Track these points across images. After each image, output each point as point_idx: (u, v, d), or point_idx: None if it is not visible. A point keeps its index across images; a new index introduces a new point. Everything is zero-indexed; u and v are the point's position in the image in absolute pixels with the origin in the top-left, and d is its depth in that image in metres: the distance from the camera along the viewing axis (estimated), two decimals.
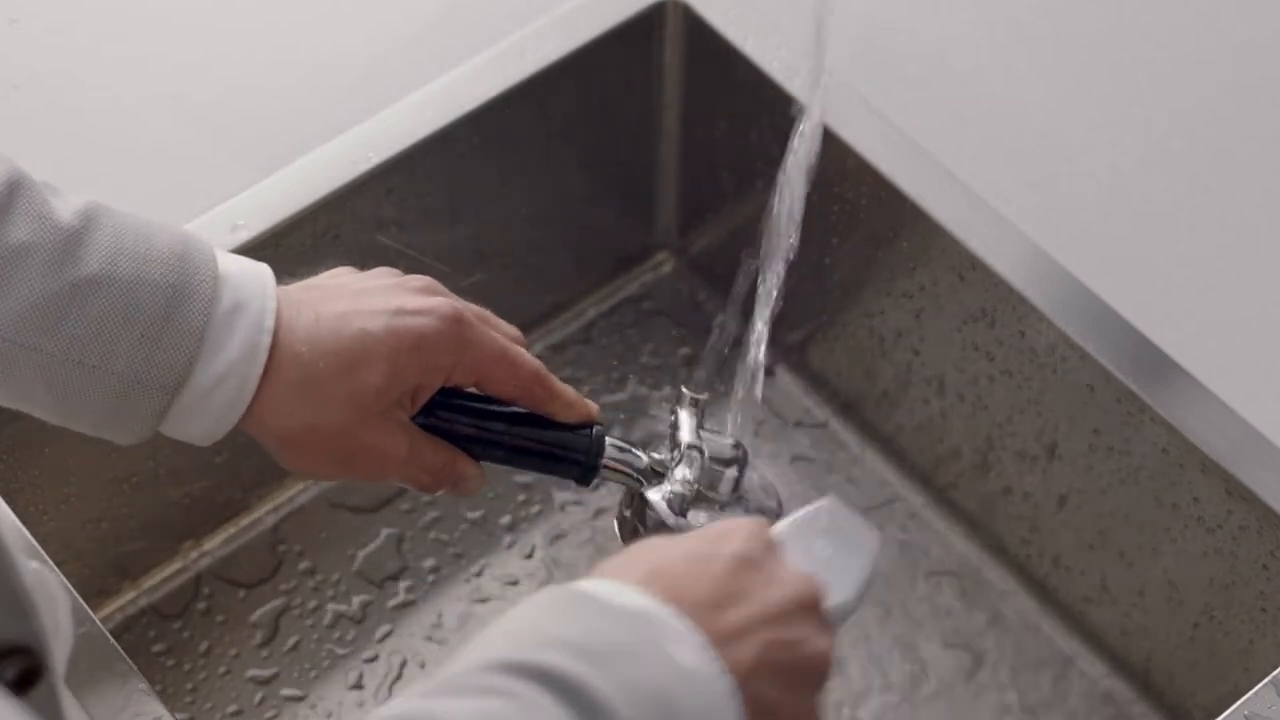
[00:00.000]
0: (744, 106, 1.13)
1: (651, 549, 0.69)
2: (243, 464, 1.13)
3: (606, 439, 0.87)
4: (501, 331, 0.86)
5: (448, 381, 0.83)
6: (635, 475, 0.88)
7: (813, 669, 0.69)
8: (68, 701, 0.67)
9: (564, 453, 0.87)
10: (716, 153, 1.18)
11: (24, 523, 0.92)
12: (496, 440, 0.86)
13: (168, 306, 0.77)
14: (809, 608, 0.69)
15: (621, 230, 1.25)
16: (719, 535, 0.70)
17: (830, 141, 1.07)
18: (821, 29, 0.99)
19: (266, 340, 0.79)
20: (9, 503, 0.92)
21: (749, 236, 1.20)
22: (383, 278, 0.84)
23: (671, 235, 1.26)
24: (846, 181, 1.09)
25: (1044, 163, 1.08)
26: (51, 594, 0.70)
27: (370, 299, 0.82)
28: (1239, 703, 0.88)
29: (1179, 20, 1.14)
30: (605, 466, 0.87)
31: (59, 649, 0.66)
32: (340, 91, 1.10)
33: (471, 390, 0.86)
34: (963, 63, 1.12)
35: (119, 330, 0.77)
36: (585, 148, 1.17)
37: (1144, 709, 1.09)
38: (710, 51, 1.12)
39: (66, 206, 0.78)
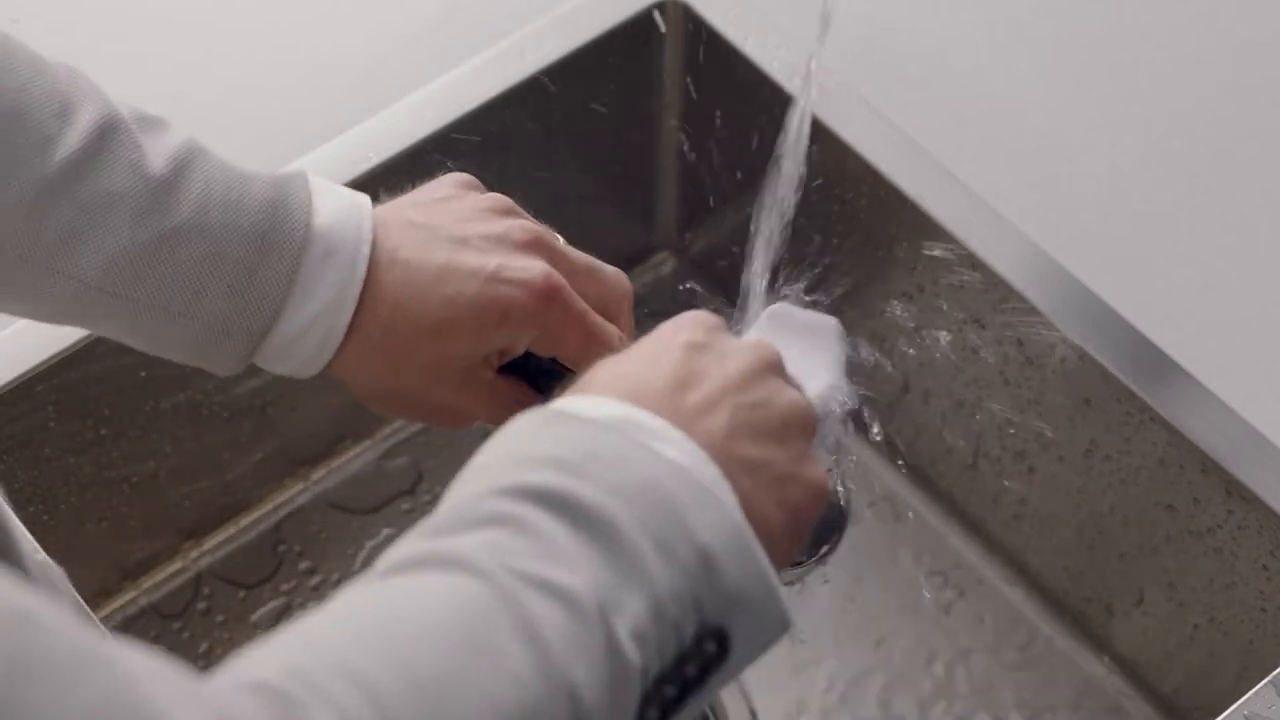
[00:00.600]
0: (744, 106, 1.13)
1: (607, 363, 0.69)
2: (243, 464, 1.13)
3: None
4: (599, 290, 0.83)
5: (530, 348, 0.82)
6: None
7: (790, 420, 0.68)
8: None
9: None
10: (716, 153, 1.18)
11: (24, 523, 0.92)
12: None
13: (256, 256, 0.76)
14: (768, 369, 0.69)
15: (621, 230, 1.25)
16: (665, 329, 0.70)
17: (830, 141, 1.07)
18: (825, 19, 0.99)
19: (354, 293, 0.77)
20: (9, 502, 0.92)
21: (749, 236, 1.20)
22: (488, 219, 0.81)
23: (671, 235, 1.26)
24: (846, 181, 1.09)
25: (1044, 163, 1.08)
26: (54, 583, 0.70)
27: (469, 254, 0.79)
28: (1239, 703, 0.88)
29: (1179, 20, 1.14)
30: None
31: None
32: (340, 91, 1.10)
33: None
34: (963, 63, 1.12)
35: (206, 279, 0.76)
36: (585, 148, 1.17)
37: (1144, 709, 1.09)
38: (710, 51, 1.12)
39: (160, 152, 0.77)
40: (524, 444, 0.63)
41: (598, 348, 0.81)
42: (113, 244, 0.75)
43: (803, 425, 0.69)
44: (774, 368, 0.70)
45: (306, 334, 0.77)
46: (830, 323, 0.82)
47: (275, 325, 0.77)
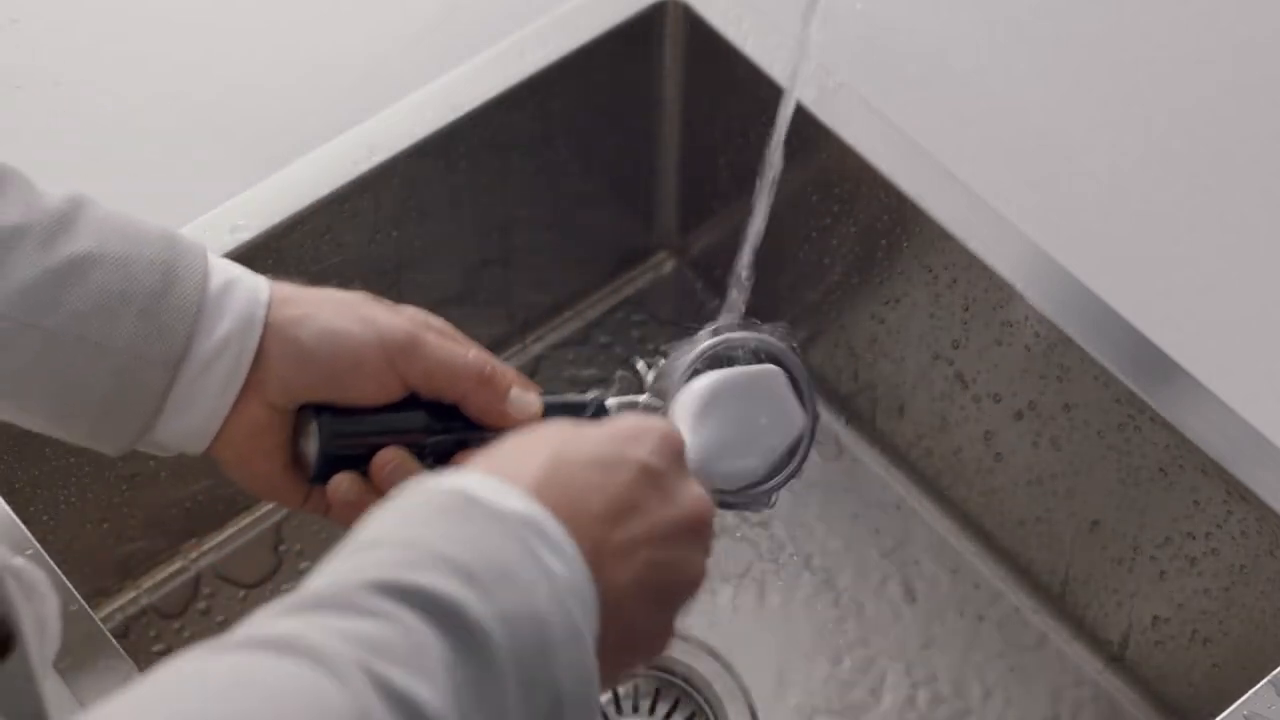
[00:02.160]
0: (744, 106, 1.13)
1: (556, 441, 0.68)
2: None
3: (606, 403, 0.85)
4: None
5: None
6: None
7: (684, 590, 0.71)
8: (51, 682, 0.67)
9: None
10: (716, 153, 1.18)
11: (24, 522, 0.92)
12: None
13: (163, 282, 0.78)
14: (699, 528, 0.71)
15: (621, 230, 1.25)
16: (629, 437, 0.70)
17: (830, 141, 1.07)
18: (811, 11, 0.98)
19: (261, 313, 0.79)
20: (9, 503, 0.92)
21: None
22: None
23: (671, 235, 1.26)
24: (847, 181, 1.09)
25: (1044, 163, 1.08)
26: (33, 588, 0.69)
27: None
28: (1239, 702, 0.88)
29: (1179, 20, 1.14)
30: None
31: (27, 618, 0.67)
32: (340, 91, 1.10)
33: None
34: (963, 63, 1.12)
35: (118, 305, 0.77)
36: (585, 148, 1.17)
37: (1144, 709, 1.09)
38: (710, 51, 1.12)
39: (53, 193, 0.79)
40: (430, 529, 0.63)
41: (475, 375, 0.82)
42: (23, 273, 0.77)
43: (688, 598, 0.71)
44: (703, 529, 0.71)
45: (217, 360, 0.79)
46: (800, 420, 0.83)
47: (189, 350, 0.78)
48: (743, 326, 0.87)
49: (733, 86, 1.13)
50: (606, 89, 1.15)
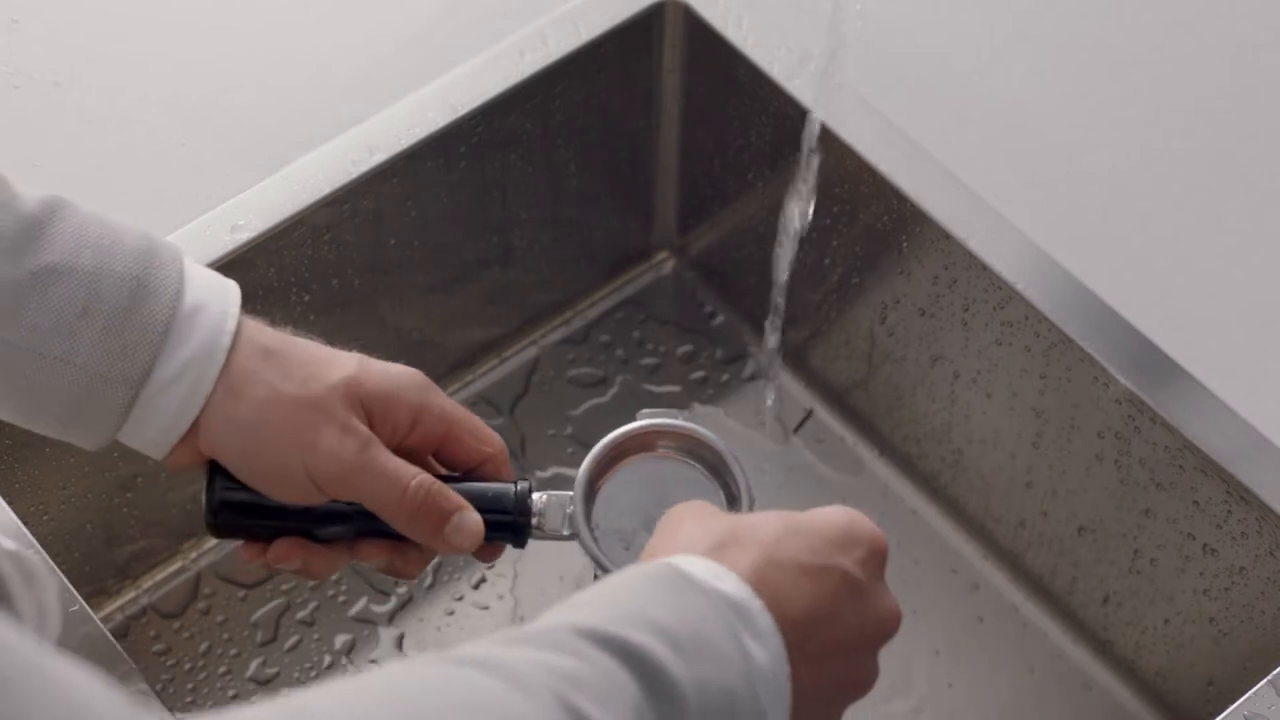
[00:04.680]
0: (744, 106, 1.13)
1: (769, 541, 0.69)
2: None
3: (533, 495, 0.85)
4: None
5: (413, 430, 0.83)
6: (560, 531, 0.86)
7: (856, 694, 0.72)
8: None
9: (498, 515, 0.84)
10: (716, 153, 1.18)
11: (24, 523, 0.92)
12: None
13: (130, 299, 0.77)
14: (884, 639, 0.72)
15: (621, 230, 1.25)
16: (842, 540, 0.71)
17: (830, 141, 1.07)
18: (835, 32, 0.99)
19: (225, 342, 0.79)
20: (9, 503, 0.92)
21: (749, 236, 1.20)
22: None
23: (671, 235, 1.26)
24: (846, 181, 1.09)
25: (1044, 163, 1.08)
26: (33, 573, 0.70)
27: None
28: (1239, 702, 0.89)
29: (1179, 20, 1.14)
30: (535, 527, 0.85)
31: (27, 605, 0.67)
32: (340, 91, 1.10)
33: None
34: (963, 63, 1.12)
35: (79, 321, 0.76)
36: (585, 148, 1.17)
37: (1144, 709, 1.09)
38: (710, 51, 1.13)
39: (31, 196, 0.78)
40: (640, 595, 0.65)
41: (477, 429, 0.84)
42: None
43: (856, 699, 0.73)
44: (888, 639, 0.73)
45: (177, 381, 0.78)
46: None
47: (151, 371, 0.77)
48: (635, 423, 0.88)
49: (733, 86, 1.13)
50: (606, 89, 1.15)
